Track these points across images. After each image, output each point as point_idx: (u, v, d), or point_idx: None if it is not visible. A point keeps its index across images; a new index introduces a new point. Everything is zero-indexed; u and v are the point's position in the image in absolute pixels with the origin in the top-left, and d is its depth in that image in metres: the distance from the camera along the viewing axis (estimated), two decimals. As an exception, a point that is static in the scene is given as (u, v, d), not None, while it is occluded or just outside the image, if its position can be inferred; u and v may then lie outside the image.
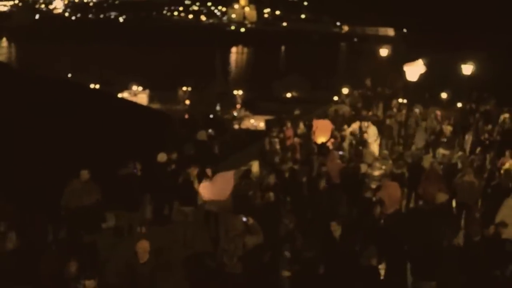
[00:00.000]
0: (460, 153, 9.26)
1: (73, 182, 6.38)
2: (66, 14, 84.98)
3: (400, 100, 12.36)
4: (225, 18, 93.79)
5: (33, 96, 11.08)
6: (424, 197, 7.43)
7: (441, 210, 6.60)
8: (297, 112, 12.40)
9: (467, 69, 13.36)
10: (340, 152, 9.06)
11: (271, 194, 6.41)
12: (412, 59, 10.62)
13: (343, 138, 9.99)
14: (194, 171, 6.95)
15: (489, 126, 10.34)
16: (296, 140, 9.79)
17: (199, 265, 6.12)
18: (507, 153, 8.60)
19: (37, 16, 77.48)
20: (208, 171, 6.93)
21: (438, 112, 11.49)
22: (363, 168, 8.04)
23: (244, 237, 5.23)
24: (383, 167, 8.37)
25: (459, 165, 8.43)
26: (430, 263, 5.16)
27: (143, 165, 7.08)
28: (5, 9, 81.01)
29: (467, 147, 10.14)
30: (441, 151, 9.37)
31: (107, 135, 9.92)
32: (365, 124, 10.57)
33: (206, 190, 6.83)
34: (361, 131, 10.38)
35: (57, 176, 6.79)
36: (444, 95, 14.13)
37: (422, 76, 10.51)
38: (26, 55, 42.75)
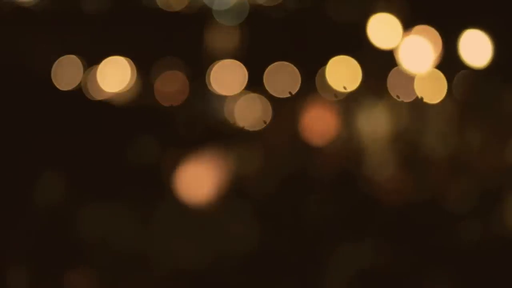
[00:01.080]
0: (466, 141, 8.97)
1: (43, 180, 6.03)
2: (35, 7, 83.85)
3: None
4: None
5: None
6: (431, 189, 7.15)
7: (451, 203, 6.37)
8: (291, 102, 12.01)
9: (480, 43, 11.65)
10: (337, 143, 8.77)
11: (265, 188, 6.12)
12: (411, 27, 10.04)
13: (340, 128, 9.68)
14: (182, 162, 6.63)
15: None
16: (291, 131, 9.45)
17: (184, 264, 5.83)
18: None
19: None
20: (194, 163, 6.61)
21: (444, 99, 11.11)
22: (363, 159, 7.77)
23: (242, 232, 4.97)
24: (382, 158, 8.05)
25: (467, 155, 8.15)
26: (441, 258, 4.92)
27: (124, 160, 6.74)
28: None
29: (477, 135, 9.83)
30: (446, 140, 9.05)
31: (91, 131, 9.47)
32: (365, 113, 10.23)
33: (191, 183, 6.52)
34: (360, 120, 10.06)
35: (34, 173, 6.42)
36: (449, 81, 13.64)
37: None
38: None
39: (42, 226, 5.43)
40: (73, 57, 6.12)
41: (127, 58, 6.45)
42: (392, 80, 6.86)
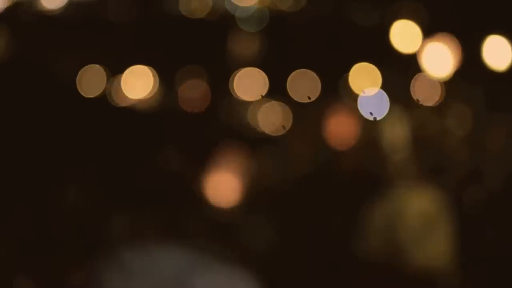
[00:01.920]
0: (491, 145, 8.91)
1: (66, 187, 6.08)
2: (62, 15, 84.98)
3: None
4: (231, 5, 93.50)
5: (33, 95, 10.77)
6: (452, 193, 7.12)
7: (474, 206, 6.33)
8: (311, 107, 12.06)
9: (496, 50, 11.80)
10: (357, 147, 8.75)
11: (286, 192, 6.14)
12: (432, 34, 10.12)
13: (363, 132, 9.64)
14: (202, 168, 6.69)
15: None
16: (312, 136, 9.46)
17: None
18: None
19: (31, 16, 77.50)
20: (217, 168, 6.66)
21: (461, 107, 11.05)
22: (385, 163, 7.72)
23: (266, 236, 5.01)
24: (407, 162, 8.03)
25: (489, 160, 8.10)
26: (465, 260, 4.89)
27: (154, 166, 6.81)
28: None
29: (497, 141, 9.76)
30: (465, 145, 8.99)
31: (115, 137, 9.59)
32: (387, 116, 10.19)
33: (214, 188, 6.58)
34: (383, 124, 10.01)
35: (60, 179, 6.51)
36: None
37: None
38: (23, 54, 42.26)
39: (64, 234, 5.52)
40: (96, 67, 6.21)
41: (150, 67, 6.52)
42: (413, 84, 6.99)
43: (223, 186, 4.25)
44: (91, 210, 5.30)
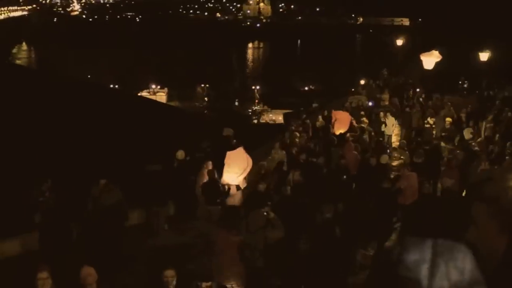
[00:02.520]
0: (479, 140, 9.20)
1: (94, 188, 6.29)
2: (83, 16, 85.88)
3: (418, 90, 12.32)
4: (240, 14, 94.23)
5: (56, 98, 11.21)
6: (443, 186, 7.40)
7: (459, 199, 6.54)
8: (315, 104, 12.40)
9: (484, 56, 13.26)
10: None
11: (288, 188, 6.42)
12: (428, 48, 10.65)
13: (362, 130, 9.95)
14: (209, 165, 7.03)
15: (509, 113, 10.25)
16: (315, 132, 9.78)
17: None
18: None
19: (54, 19, 78.45)
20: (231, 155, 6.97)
21: (456, 101, 11.42)
22: (382, 159, 7.99)
23: (266, 231, 5.22)
24: (402, 157, 8.38)
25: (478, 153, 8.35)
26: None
27: (165, 163, 7.15)
28: (23, 13, 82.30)
29: (484, 134, 10.07)
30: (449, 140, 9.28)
31: (129, 134, 10.02)
32: (383, 114, 10.50)
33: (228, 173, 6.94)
34: (380, 121, 10.33)
35: (84, 176, 6.87)
36: (461, 83, 14.06)
37: (439, 65, 10.53)
38: (45, 58, 43.10)
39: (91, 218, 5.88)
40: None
41: (164, 89, 7.03)
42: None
43: (235, 170, 4.94)
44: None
